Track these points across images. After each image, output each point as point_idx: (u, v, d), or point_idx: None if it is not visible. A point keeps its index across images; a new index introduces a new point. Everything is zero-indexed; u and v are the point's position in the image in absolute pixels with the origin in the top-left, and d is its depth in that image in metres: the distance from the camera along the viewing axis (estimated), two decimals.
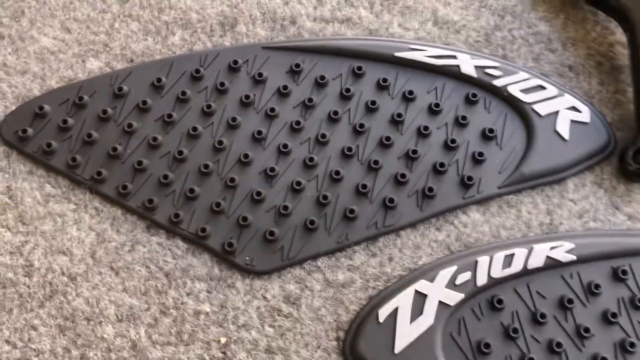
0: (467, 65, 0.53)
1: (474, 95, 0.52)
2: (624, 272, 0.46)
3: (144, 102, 0.52)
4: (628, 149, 0.50)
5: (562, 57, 0.54)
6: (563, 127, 0.51)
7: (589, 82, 0.53)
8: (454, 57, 0.53)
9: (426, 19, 0.55)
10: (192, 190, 0.49)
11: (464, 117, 0.51)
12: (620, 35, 0.54)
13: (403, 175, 0.50)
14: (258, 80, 0.53)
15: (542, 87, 0.52)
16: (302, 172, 0.50)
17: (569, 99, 0.52)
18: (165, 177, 0.50)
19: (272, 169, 0.50)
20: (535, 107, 0.52)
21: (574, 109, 0.52)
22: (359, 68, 0.53)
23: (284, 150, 0.51)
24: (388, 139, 0.51)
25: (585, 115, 0.52)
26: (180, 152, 0.50)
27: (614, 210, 0.49)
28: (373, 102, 0.52)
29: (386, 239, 0.49)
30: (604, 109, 0.52)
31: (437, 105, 0.52)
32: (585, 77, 0.53)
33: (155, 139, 0.51)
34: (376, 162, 0.50)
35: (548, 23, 0.55)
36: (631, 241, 0.48)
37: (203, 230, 0.48)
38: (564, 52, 0.54)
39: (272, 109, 0.52)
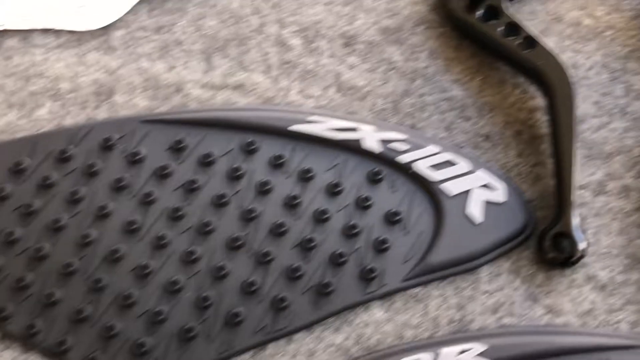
0: (371, 138, 0.47)
1: (378, 174, 0.47)
2: None
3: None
4: (545, 234, 0.45)
5: (477, 125, 0.49)
6: (475, 209, 0.46)
7: (506, 153, 0.48)
8: (356, 129, 0.48)
9: (329, 85, 0.50)
10: (51, 295, 0.43)
11: (366, 199, 0.46)
12: (541, 99, 0.49)
13: (297, 269, 0.44)
14: (134, 160, 0.46)
15: (453, 163, 0.47)
16: (180, 268, 0.44)
17: (482, 176, 0.47)
18: (21, 279, 0.43)
19: (146, 266, 0.44)
20: (445, 185, 0.46)
21: (487, 186, 0.47)
22: (251, 143, 0.47)
23: (161, 242, 0.44)
24: (281, 225, 0.45)
25: (500, 193, 0.46)
26: (40, 249, 0.44)
27: (532, 302, 0.44)
28: (265, 183, 0.46)
29: (277, 345, 0.43)
30: (523, 185, 0.47)
31: (336, 185, 0.46)
32: (502, 147, 0.48)
33: (10, 233, 0.44)
34: (267, 253, 0.44)
35: (463, 87, 0.50)
36: (550, 340, 0.43)
37: (62, 342, 0.42)
38: (480, 119, 0.49)
39: (149, 194, 0.46)
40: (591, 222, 0.46)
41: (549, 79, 0.47)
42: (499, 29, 0.48)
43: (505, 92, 0.50)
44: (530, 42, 0.48)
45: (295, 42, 0.51)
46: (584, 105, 0.49)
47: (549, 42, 0.51)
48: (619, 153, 0.48)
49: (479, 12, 0.49)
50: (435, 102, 0.49)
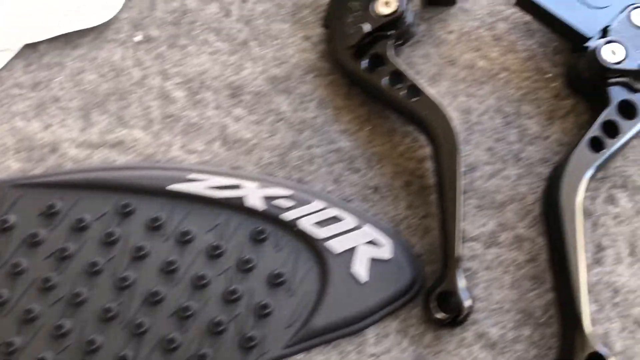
0: (254, 196, 0.45)
1: (261, 232, 0.45)
2: None
3: None
4: (431, 293, 0.43)
5: (366, 177, 0.47)
6: (360, 267, 0.44)
7: (395, 205, 0.47)
8: (238, 186, 0.46)
9: (213, 138, 0.48)
10: None
11: (248, 261, 0.44)
12: (430, 148, 0.47)
13: (172, 340, 0.42)
14: (3, 228, 0.44)
15: (339, 219, 0.45)
16: (48, 344, 0.42)
17: (369, 231, 0.45)
18: None
19: (10, 343, 0.42)
20: (330, 243, 0.45)
21: (373, 243, 0.45)
22: (126, 205, 0.45)
23: (29, 316, 0.42)
24: (156, 294, 0.43)
25: (386, 250, 0.45)
26: None
27: None
28: (141, 248, 0.44)
29: None
30: (412, 238, 0.46)
31: (217, 247, 0.44)
32: (391, 199, 0.47)
33: None
34: (141, 324, 0.42)
35: (352, 137, 0.48)
36: None
37: None
38: (368, 171, 0.47)
39: (17, 264, 0.43)
40: (482, 276, 0.45)
41: (433, 129, 0.45)
42: (384, 78, 0.47)
43: (394, 141, 0.48)
44: (415, 91, 0.46)
45: (179, 94, 0.49)
46: (476, 151, 0.48)
47: (442, 87, 0.50)
48: (512, 201, 0.47)
49: (365, 61, 0.47)
50: (323, 154, 0.48)
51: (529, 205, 0.47)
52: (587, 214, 0.46)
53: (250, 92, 0.49)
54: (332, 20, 0.49)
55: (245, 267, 0.44)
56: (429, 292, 0.43)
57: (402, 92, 0.46)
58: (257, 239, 0.45)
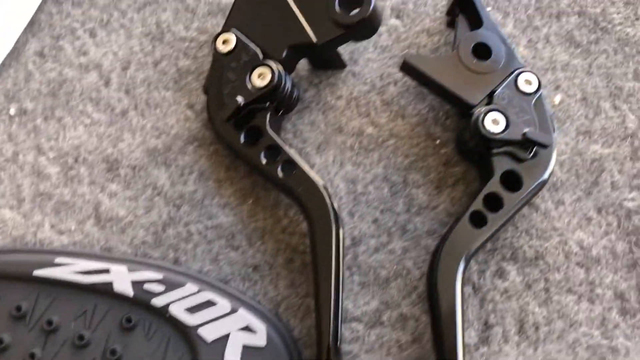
0: (123, 280, 0.43)
1: (129, 320, 0.42)
2: None
3: None
4: None
5: (246, 255, 0.45)
6: (233, 356, 0.42)
7: (276, 284, 0.45)
8: (107, 270, 0.44)
9: (86, 217, 0.46)
10: None
11: (114, 351, 0.42)
12: None
13: None
14: None
15: (213, 303, 0.43)
16: None
17: (244, 316, 0.43)
18: None
19: None
20: (202, 330, 0.42)
21: (248, 328, 0.43)
22: None
23: None
24: None
25: (260, 336, 0.43)
26: None
27: None
28: (1, 340, 0.42)
29: None
30: (293, 320, 0.44)
31: (82, 337, 0.42)
32: (272, 278, 0.45)
33: None
34: None
35: (232, 212, 0.46)
36: None
37: None
38: (249, 248, 0.46)
39: None
40: None
41: (307, 207, 0.43)
42: (261, 152, 0.45)
43: (277, 215, 0.46)
44: (290, 165, 0.44)
45: (53, 170, 0.47)
46: (361, 224, 0.46)
47: (329, 156, 0.48)
48: (397, 277, 0.45)
49: (243, 133, 0.46)
50: (201, 230, 0.46)
51: (414, 281, 0.45)
52: (476, 289, 0.45)
53: (127, 166, 0.47)
54: (211, 88, 0.47)
55: (111, 358, 0.42)
56: None
57: (278, 167, 0.45)
58: (126, 326, 0.42)
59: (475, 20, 0.49)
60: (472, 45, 0.47)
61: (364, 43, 0.51)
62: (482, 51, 0.47)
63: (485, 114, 0.45)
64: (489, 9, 0.53)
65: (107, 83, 0.49)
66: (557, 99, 0.50)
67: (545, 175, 0.45)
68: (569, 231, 0.47)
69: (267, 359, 0.42)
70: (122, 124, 0.48)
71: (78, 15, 0.52)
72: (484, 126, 0.44)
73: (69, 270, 0.43)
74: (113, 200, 0.46)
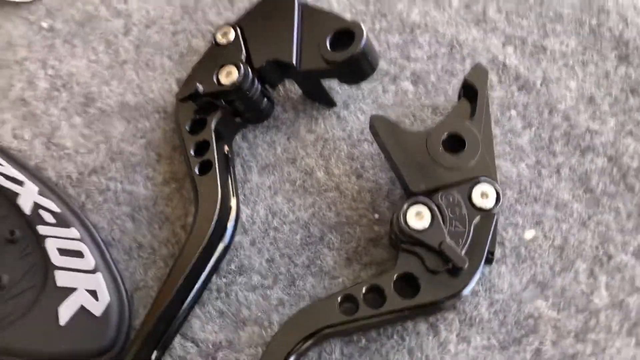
0: (27, 198, 0.45)
1: (12, 233, 0.44)
2: None
3: None
4: None
5: (140, 230, 0.45)
6: (67, 310, 0.42)
7: (146, 270, 0.43)
8: (22, 183, 0.46)
9: (40, 134, 0.48)
10: None
11: None
12: None
13: None
14: None
15: (82, 255, 0.44)
16: None
17: (98, 281, 0.42)
18: None
19: None
20: (58, 273, 0.43)
21: (94, 293, 0.43)
22: None
23: None
24: None
25: (100, 306, 0.42)
26: None
27: None
28: None
29: None
30: (141, 310, 0.43)
31: None
32: (147, 263, 0.44)
33: None
34: None
35: (153, 188, 0.46)
36: None
37: None
38: (146, 226, 0.44)
39: None
40: None
41: (199, 209, 0.42)
42: (194, 143, 0.44)
43: (186, 210, 0.45)
44: (208, 166, 0.43)
45: (42, 85, 0.51)
46: (256, 257, 0.44)
47: (268, 180, 0.46)
48: (255, 324, 0.42)
49: (189, 121, 0.46)
50: (117, 191, 0.46)
51: (268, 336, 0.41)
52: None
53: (98, 108, 0.50)
54: (194, 70, 0.48)
55: None
56: None
57: (198, 163, 0.44)
58: (8, 238, 0.45)
59: (473, 107, 0.44)
60: (447, 133, 0.42)
61: (365, 92, 0.49)
62: (455, 143, 0.42)
63: (413, 204, 0.40)
64: (512, 112, 0.47)
65: (126, 32, 0.53)
66: (530, 234, 0.43)
67: (452, 296, 0.39)
68: None
69: (94, 329, 0.41)
70: (116, 71, 0.51)
71: None
72: (404, 216, 0.40)
73: None
74: (70, 130, 0.49)
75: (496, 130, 0.46)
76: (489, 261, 0.41)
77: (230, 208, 0.44)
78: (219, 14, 0.53)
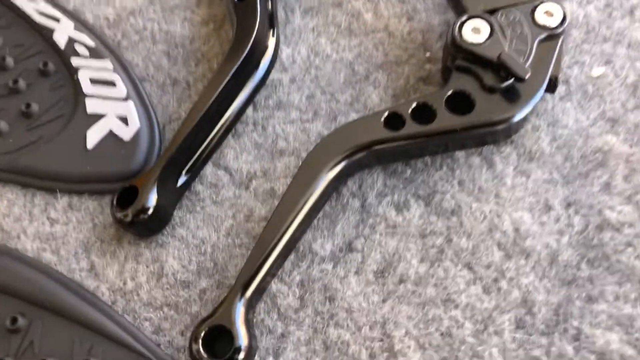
0: (63, 33, 0.44)
1: (46, 65, 0.43)
2: None
3: None
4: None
5: (176, 66, 0.42)
6: (95, 134, 0.40)
7: (186, 99, 0.42)
8: (58, 20, 0.45)
9: None
10: None
11: (16, 87, 0.42)
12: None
13: None
14: None
15: (113, 84, 0.41)
16: None
17: (129, 108, 0.40)
18: None
19: None
20: (89, 101, 0.41)
21: (124, 120, 0.40)
22: None
23: None
24: None
25: (128, 131, 0.39)
26: None
27: (83, 252, 0.37)
28: None
29: None
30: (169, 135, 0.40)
31: (3, 58, 0.44)
32: (189, 96, 0.42)
33: None
34: None
35: (190, 27, 0.44)
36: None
37: None
38: (182, 60, 0.42)
39: None
40: None
41: (240, 29, 0.40)
42: None
43: (224, 42, 0.43)
44: None
45: None
46: (295, 93, 0.41)
47: (311, 22, 0.43)
48: (292, 154, 0.39)
49: None
50: (154, 30, 0.44)
51: None
52: (364, 207, 0.36)
53: None
54: None
55: (14, 88, 0.42)
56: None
57: None
58: (42, 70, 0.43)
59: None
60: None
61: None
62: None
63: (470, 18, 0.36)
64: None
65: None
66: (598, 71, 0.39)
67: (509, 118, 0.35)
68: (512, 206, 0.36)
69: (122, 152, 0.39)
70: None
71: None
72: (459, 30, 0.36)
73: (31, 5, 0.46)
74: None
75: None
76: (551, 89, 0.37)
77: (267, 40, 0.41)
78: None
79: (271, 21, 0.42)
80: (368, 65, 0.41)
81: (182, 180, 0.38)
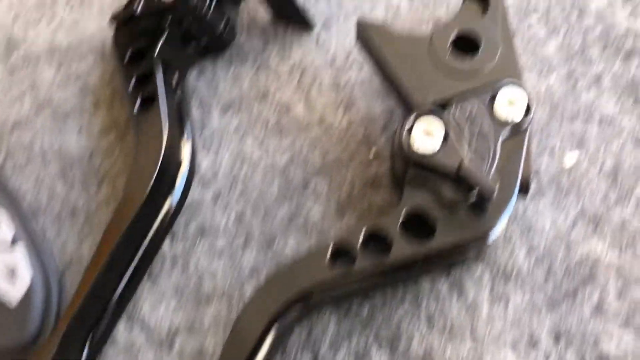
0: None
1: None
2: None
3: None
4: None
5: (72, 193, 0.35)
6: None
7: (82, 240, 0.34)
8: None
9: None
10: None
11: None
12: None
13: None
14: None
15: None
16: None
17: (16, 256, 0.32)
18: None
19: None
20: None
21: (10, 274, 0.32)
22: None
23: None
24: None
25: (16, 292, 0.31)
26: None
27: None
28: None
29: None
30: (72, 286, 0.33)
31: None
32: (84, 231, 0.34)
33: None
34: None
35: (88, 140, 0.36)
36: None
37: None
38: (80, 187, 0.35)
39: None
40: None
41: (137, 153, 0.33)
42: (134, 76, 0.35)
43: (127, 162, 0.36)
44: (150, 102, 0.33)
45: None
46: (220, 214, 0.34)
47: (234, 120, 0.36)
48: (221, 298, 0.32)
49: (130, 50, 0.36)
50: (45, 147, 0.36)
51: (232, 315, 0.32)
52: None
53: (21, 55, 0.40)
54: None
55: None
56: None
57: (139, 98, 0.34)
58: None
59: (484, 6, 0.34)
60: (455, 31, 0.33)
61: (349, 9, 0.39)
62: (467, 43, 0.33)
63: (418, 118, 0.30)
64: (533, 18, 0.38)
65: None
66: (571, 158, 0.34)
67: (477, 239, 0.29)
68: (492, 344, 0.30)
69: (8, 321, 0.32)
70: (46, 10, 0.42)
71: None
72: (407, 135, 0.30)
73: None
74: None
75: (516, 41, 0.37)
76: (523, 191, 0.31)
77: (180, 153, 0.34)
78: None
79: (182, 126, 0.35)
80: (304, 170, 0.35)
81: (87, 351, 0.31)
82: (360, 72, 0.37)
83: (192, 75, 0.38)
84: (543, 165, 0.34)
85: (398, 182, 0.33)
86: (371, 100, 0.37)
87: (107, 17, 0.40)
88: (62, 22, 0.41)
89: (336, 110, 0.37)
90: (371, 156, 0.35)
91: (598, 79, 0.36)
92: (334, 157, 0.35)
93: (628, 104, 0.35)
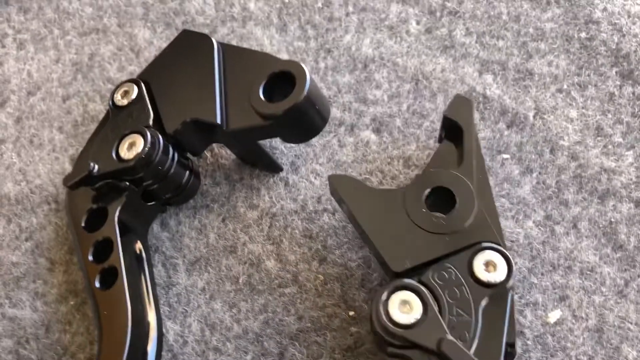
0: None
1: None
2: None
3: None
4: None
5: None
6: None
7: None
8: None
9: None
10: None
11: None
12: None
13: None
14: None
15: None
16: None
17: None
18: None
19: None
20: None
21: None
22: None
23: None
24: None
25: None
26: None
27: None
28: None
29: None
30: None
31: None
32: None
33: None
34: None
35: (44, 308, 0.33)
36: None
37: None
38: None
39: None
40: None
41: (102, 337, 0.30)
42: (93, 244, 0.33)
43: (92, 335, 0.33)
44: (113, 276, 0.31)
45: None
46: None
47: (201, 280, 0.34)
48: None
49: (87, 213, 0.34)
50: None
51: None
52: None
53: None
54: (89, 144, 0.37)
55: None
56: None
57: (99, 271, 0.32)
58: None
59: (459, 152, 0.34)
60: (430, 187, 0.32)
61: (317, 149, 0.38)
62: (442, 199, 0.32)
63: (395, 290, 0.29)
64: (505, 156, 0.37)
65: (2, 104, 0.41)
66: (555, 314, 0.33)
67: None
68: None
69: None
70: None
71: (17, 22, 0.44)
72: (385, 308, 0.28)
73: None
74: None
75: (490, 182, 0.36)
76: (509, 358, 0.30)
77: (147, 328, 0.32)
78: (121, 69, 0.42)
79: (148, 295, 0.33)
80: (280, 337, 0.33)
81: None
82: (332, 217, 0.36)
83: (155, 227, 0.36)
84: (527, 322, 0.33)
85: (382, 349, 0.31)
86: (347, 250, 0.35)
87: (61, 159, 0.38)
88: (10, 167, 0.39)
89: (310, 263, 0.35)
90: (351, 315, 0.33)
91: (576, 224, 0.35)
92: (310, 319, 0.33)
93: (607, 250, 0.34)
